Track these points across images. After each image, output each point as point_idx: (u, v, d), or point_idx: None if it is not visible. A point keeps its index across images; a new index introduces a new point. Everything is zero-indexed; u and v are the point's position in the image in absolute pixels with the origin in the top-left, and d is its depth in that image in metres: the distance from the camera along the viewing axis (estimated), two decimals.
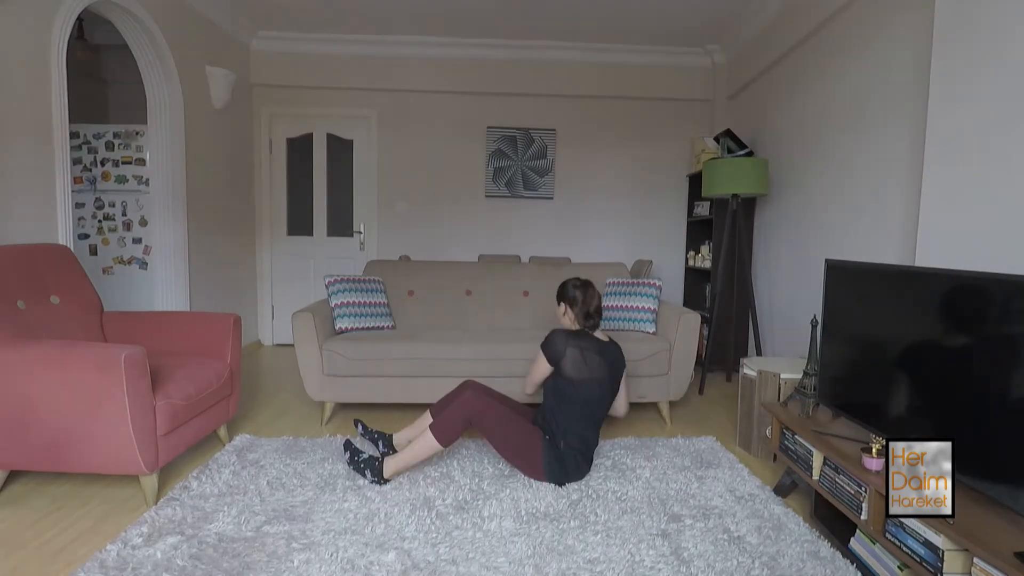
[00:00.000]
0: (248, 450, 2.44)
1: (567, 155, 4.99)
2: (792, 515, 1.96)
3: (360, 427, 2.55)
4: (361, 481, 2.15)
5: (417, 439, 2.17)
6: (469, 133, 4.95)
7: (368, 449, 2.48)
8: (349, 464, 2.23)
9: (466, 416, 2.15)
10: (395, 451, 2.34)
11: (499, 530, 1.82)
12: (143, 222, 3.85)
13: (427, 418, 2.39)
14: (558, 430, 2.21)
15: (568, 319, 2.39)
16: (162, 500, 1.98)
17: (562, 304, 2.40)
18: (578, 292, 2.35)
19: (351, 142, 4.98)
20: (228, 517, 1.85)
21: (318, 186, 5.00)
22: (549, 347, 2.30)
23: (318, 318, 2.90)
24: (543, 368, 2.34)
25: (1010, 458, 1.38)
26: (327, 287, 3.14)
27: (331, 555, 1.65)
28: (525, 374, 2.90)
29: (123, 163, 3.84)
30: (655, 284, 3.26)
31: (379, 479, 2.13)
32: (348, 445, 2.30)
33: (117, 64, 4.73)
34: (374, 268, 3.59)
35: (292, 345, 3.28)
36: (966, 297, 1.55)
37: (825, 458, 1.83)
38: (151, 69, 3.51)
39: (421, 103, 4.91)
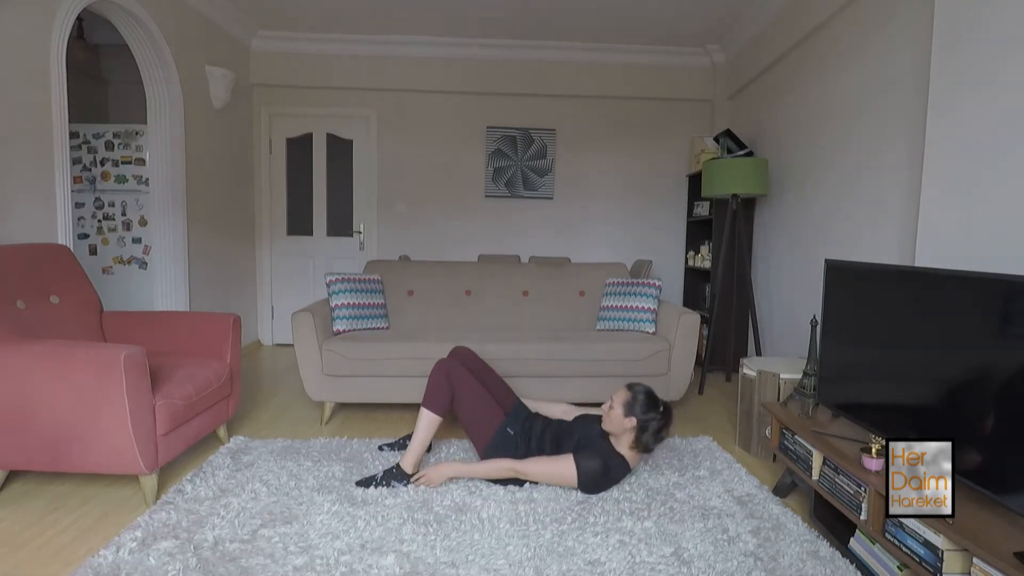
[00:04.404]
0: (243, 452, 2.43)
1: (567, 155, 4.98)
2: (791, 515, 1.96)
3: (386, 449, 2.52)
4: (360, 487, 2.13)
5: (416, 425, 2.24)
6: (469, 133, 4.94)
7: (393, 460, 2.40)
8: (376, 487, 2.12)
9: (445, 374, 2.25)
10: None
11: (498, 532, 1.81)
12: (143, 222, 3.85)
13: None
14: (531, 450, 2.24)
15: (625, 430, 2.11)
16: (156, 504, 1.96)
17: (634, 419, 2.09)
18: (655, 424, 2.09)
19: (351, 142, 4.98)
20: (223, 521, 1.84)
21: (318, 186, 5.00)
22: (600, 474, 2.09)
23: (318, 318, 2.90)
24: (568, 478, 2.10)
25: (1010, 458, 1.38)
26: (328, 285, 3.13)
27: (329, 558, 1.64)
28: (526, 375, 2.92)
29: (123, 163, 3.83)
30: (655, 284, 3.26)
31: (404, 478, 2.15)
32: (365, 482, 2.15)
33: (117, 64, 4.72)
34: (374, 268, 3.58)
35: (292, 345, 3.28)
36: (966, 297, 1.55)
37: (825, 458, 1.83)
38: (151, 69, 3.50)
39: (421, 103, 4.91)
